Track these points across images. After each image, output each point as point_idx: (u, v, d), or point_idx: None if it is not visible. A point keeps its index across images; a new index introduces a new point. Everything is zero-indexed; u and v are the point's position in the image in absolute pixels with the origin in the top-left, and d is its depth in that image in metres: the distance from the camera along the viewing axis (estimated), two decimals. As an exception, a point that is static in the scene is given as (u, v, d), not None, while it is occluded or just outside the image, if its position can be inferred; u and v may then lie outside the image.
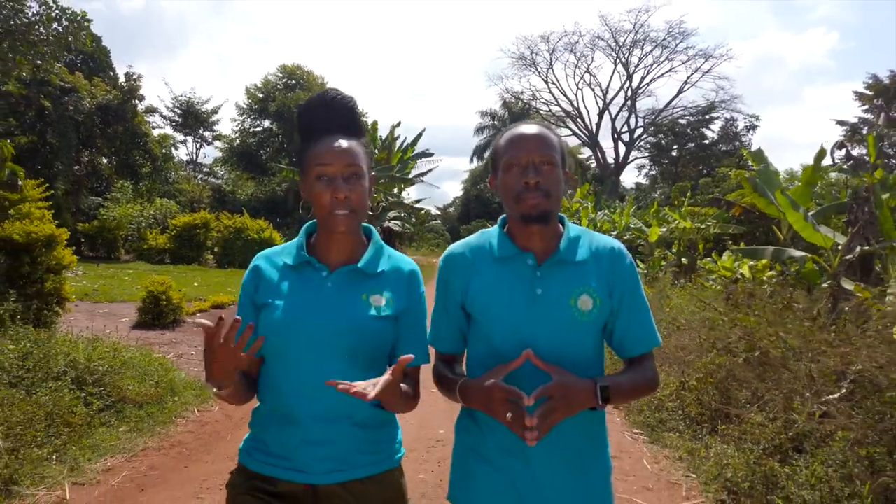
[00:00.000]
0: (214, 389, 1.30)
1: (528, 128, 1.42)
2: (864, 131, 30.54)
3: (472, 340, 1.52)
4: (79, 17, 11.44)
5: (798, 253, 7.28)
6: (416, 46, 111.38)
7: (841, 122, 31.83)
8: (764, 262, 8.12)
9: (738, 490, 3.51)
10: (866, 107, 31.00)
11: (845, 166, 9.14)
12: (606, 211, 21.24)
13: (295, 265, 1.45)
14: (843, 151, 7.76)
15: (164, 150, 21.27)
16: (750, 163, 9.43)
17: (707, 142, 38.80)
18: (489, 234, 1.51)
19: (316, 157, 1.38)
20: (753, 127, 36.65)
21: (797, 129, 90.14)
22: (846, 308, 5.57)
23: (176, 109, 31.52)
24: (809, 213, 8.03)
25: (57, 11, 10.88)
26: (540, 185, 1.35)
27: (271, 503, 1.39)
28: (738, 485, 3.51)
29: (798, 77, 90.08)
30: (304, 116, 1.43)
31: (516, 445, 1.37)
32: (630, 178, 46.08)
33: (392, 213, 24.17)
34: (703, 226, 14.81)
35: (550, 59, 42.09)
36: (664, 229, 15.70)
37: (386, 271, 1.46)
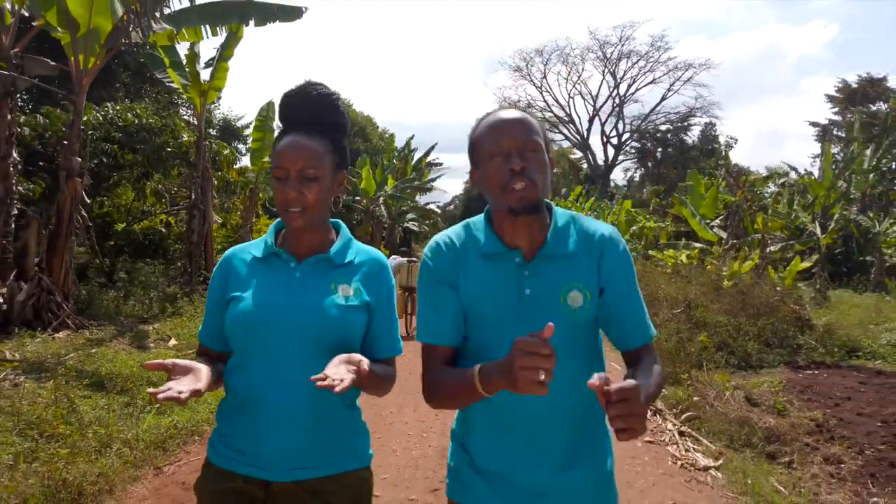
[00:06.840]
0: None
1: (508, 113, 1.36)
2: (834, 132, 34.90)
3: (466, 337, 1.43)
4: None
5: (698, 245, 11.73)
6: (415, 48, 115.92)
7: (813, 124, 36.25)
8: (695, 251, 12.62)
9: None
10: (836, 109, 35.34)
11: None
12: (597, 212, 25.47)
13: (263, 257, 1.47)
14: (727, 179, 12.20)
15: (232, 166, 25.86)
16: (716, 170, 13.72)
17: (688, 146, 43.38)
18: (475, 225, 1.44)
19: (275, 157, 1.41)
20: (730, 146, 41.45)
21: (794, 120, 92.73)
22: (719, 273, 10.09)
23: (216, 125, 35.87)
24: (716, 220, 12.54)
25: None
26: (526, 170, 1.29)
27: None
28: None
29: (797, 68, 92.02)
30: (283, 106, 1.46)
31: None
32: (620, 176, 50.60)
33: (410, 216, 28.72)
34: (663, 224, 19.27)
35: (544, 69, 46.66)
36: (634, 227, 20.10)
37: (355, 262, 1.48)
